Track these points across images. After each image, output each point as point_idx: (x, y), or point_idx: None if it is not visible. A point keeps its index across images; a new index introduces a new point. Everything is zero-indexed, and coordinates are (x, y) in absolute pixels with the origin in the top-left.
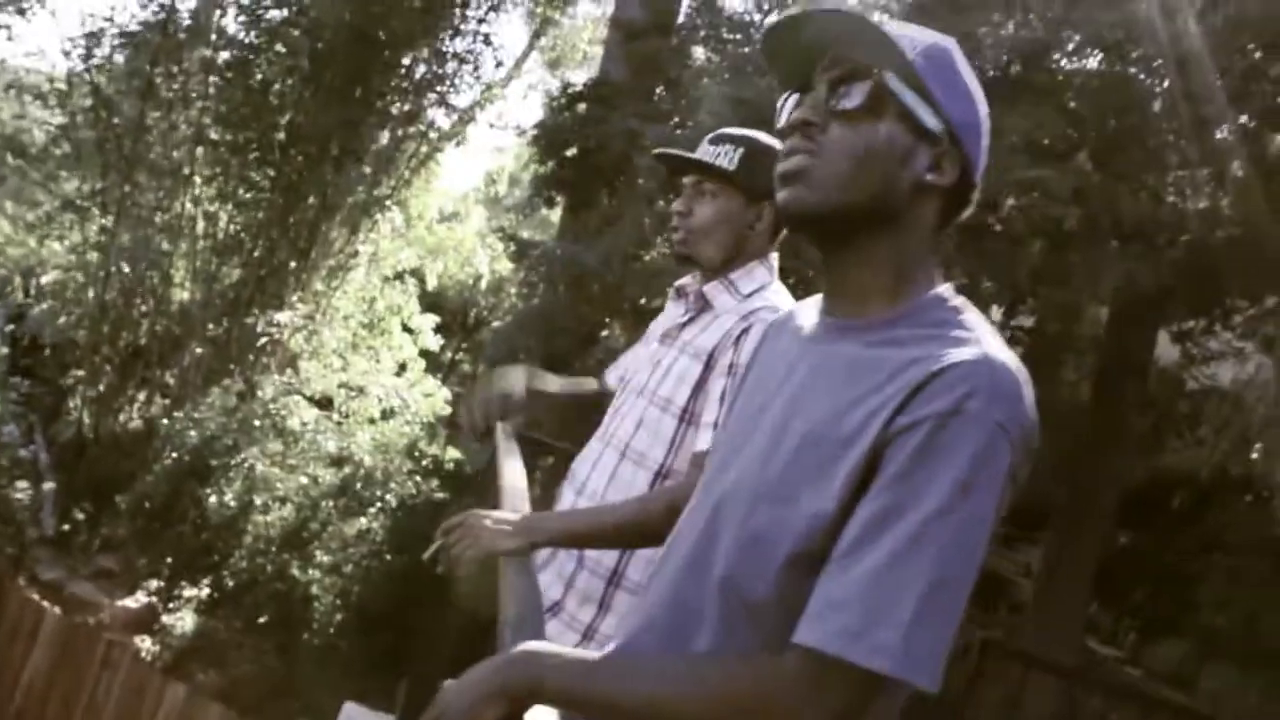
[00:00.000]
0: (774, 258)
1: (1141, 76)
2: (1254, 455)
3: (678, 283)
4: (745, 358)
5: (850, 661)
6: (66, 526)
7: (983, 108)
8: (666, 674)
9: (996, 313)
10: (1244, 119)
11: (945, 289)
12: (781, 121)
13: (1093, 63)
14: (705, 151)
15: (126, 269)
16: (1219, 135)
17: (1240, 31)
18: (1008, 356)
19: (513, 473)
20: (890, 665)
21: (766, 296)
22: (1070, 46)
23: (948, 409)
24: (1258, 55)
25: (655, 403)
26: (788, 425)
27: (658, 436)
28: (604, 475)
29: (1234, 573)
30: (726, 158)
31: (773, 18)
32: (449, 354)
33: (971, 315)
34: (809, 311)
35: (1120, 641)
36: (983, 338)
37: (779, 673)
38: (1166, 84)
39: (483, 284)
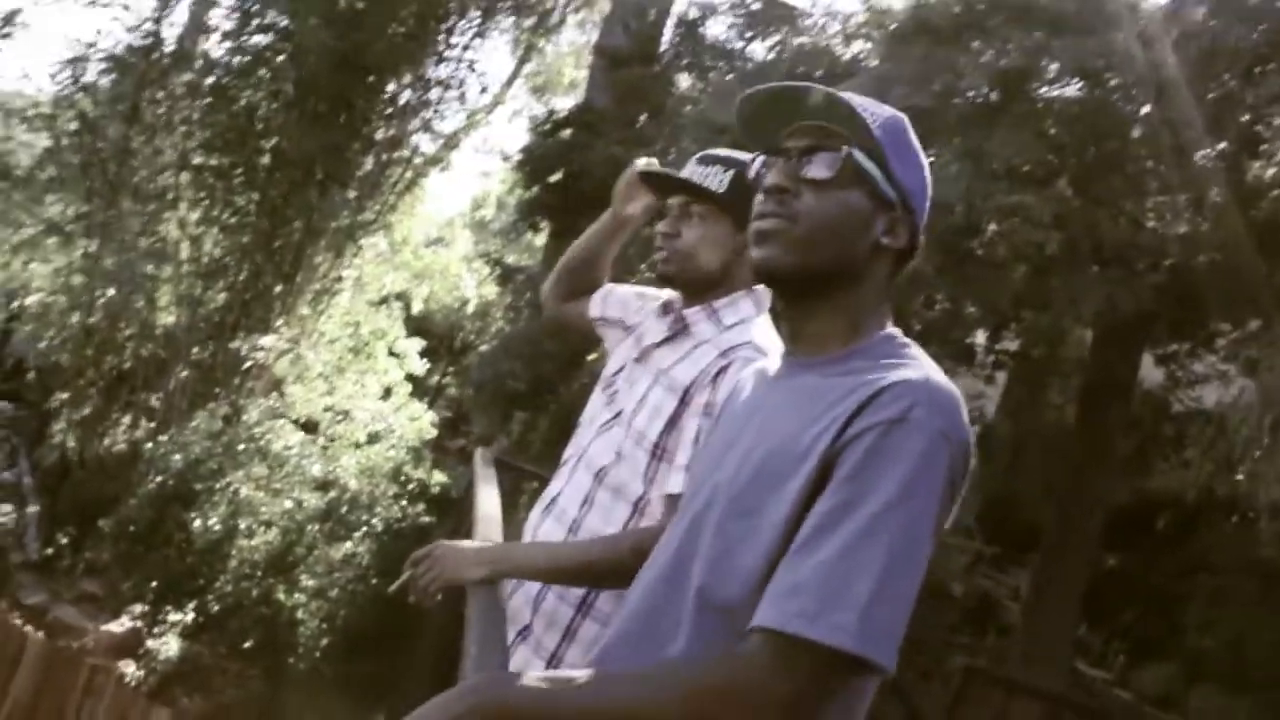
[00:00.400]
0: (763, 289)
1: (1120, 103)
2: (1239, 477)
3: (667, 298)
4: (722, 397)
5: (810, 639)
6: (50, 551)
7: (928, 176)
8: (636, 680)
9: (981, 337)
10: (1222, 145)
11: (894, 330)
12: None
13: (1072, 90)
14: (694, 172)
15: (111, 292)
16: (1198, 161)
17: (1216, 59)
18: (947, 381)
19: (487, 501)
20: (850, 643)
21: (749, 331)
22: (1050, 74)
23: (893, 417)
24: (1233, 83)
25: (631, 435)
26: (754, 449)
27: (634, 470)
28: (577, 497)
29: (1220, 594)
30: (716, 179)
31: (751, 64)
32: (435, 378)
33: (916, 350)
34: (775, 358)
35: (1109, 663)
36: (925, 365)
37: (743, 657)
38: (1145, 111)
39: (469, 308)
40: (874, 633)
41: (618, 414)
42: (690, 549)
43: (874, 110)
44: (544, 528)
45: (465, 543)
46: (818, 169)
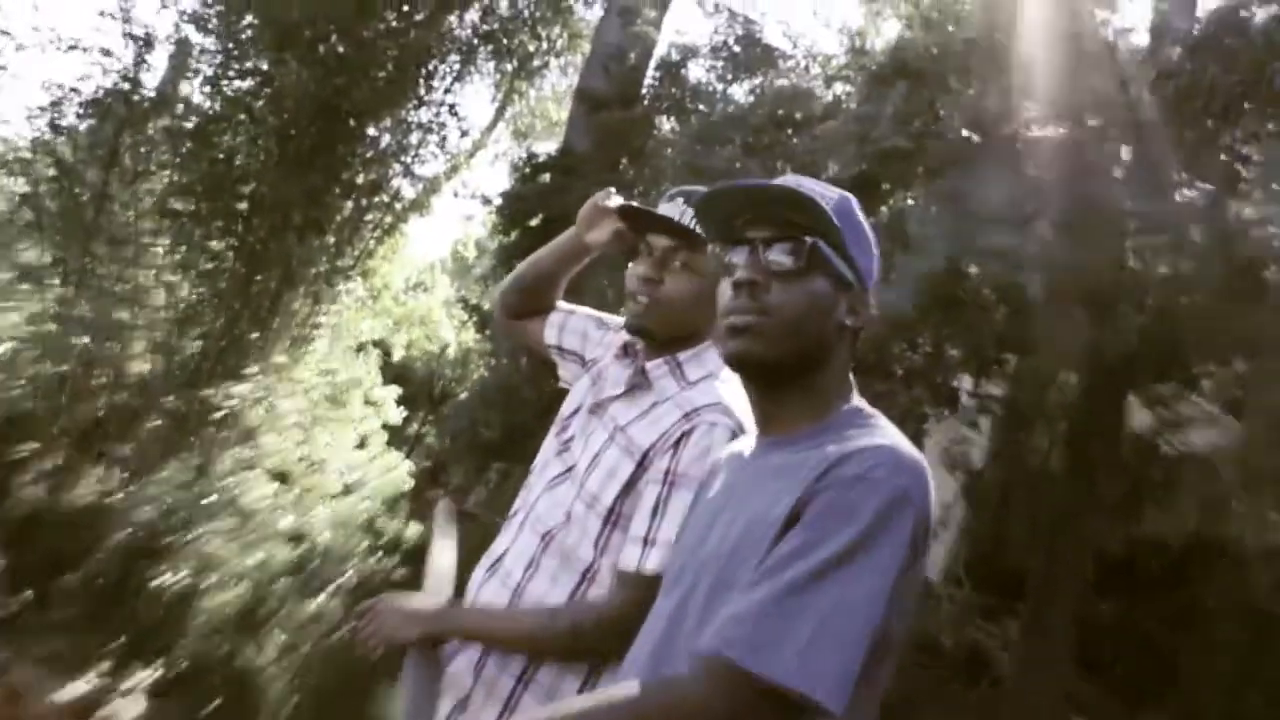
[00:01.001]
0: None
1: (1100, 144)
2: (1228, 520)
3: (628, 339)
4: (684, 466)
5: (748, 670)
6: (14, 608)
7: (876, 252)
8: (585, 711)
9: (967, 383)
10: (1202, 185)
11: (860, 402)
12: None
13: (1052, 130)
14: (681, 212)
15: (84, 339)
16: (1178, 201)
17: (1194, 99)
18: (912, 449)
19: (441, 556)
20: (785, 679)
21: (714, 390)
22: (1029, 114)
23: (856, 475)
24: (1211, 123)
25: (583, 497)
26: (732, 525)
27: (585, 534)
28: (522, 559)
29: (1214, 640)
30: None
31: (733, 106)
32: (415, 426)
33: (881, 420)
34: (748, 439)
35: (1104, 715)
36: (891, 434)
37: (685, 680)
38: (1125, 151)
39: (449, 354)
40: (813, 671)
41: (569, 468)
42: (677, 628)
43: (827, 195)
44: (487, 588)
45: (408, 600)
46: (785, 260)
